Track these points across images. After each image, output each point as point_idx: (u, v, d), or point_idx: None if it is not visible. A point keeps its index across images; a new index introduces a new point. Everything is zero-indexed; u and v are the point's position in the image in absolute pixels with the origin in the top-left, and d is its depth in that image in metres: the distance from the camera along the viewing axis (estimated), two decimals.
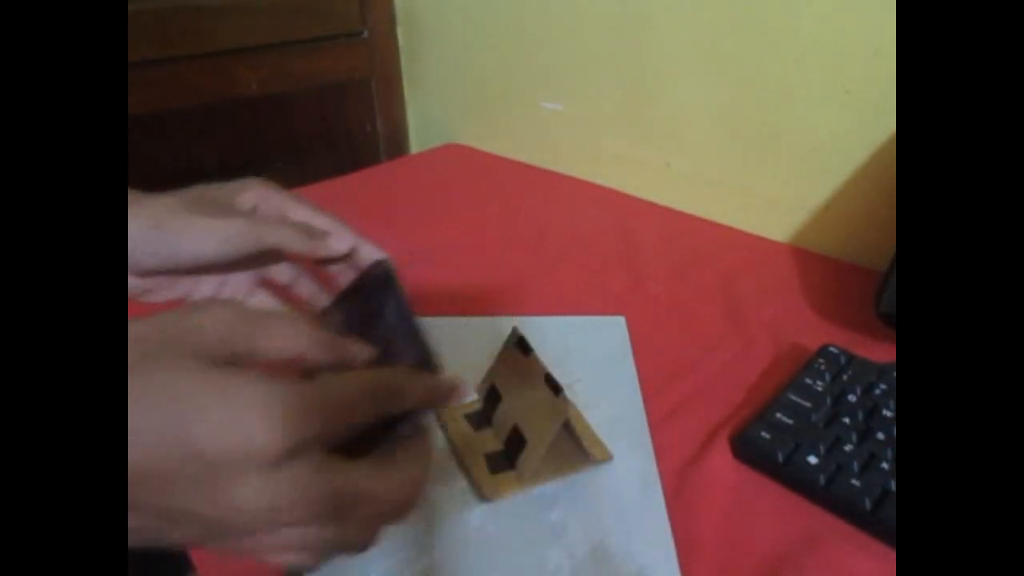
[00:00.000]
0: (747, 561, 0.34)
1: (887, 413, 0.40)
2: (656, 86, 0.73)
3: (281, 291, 0.41)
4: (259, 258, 0.37)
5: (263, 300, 0.40)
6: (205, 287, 0.38)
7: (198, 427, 0.19)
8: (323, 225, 0.37)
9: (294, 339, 0.24)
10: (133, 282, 0.35)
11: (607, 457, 0.39)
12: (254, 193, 0.37)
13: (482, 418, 0.41)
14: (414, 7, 0.99)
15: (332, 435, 0.22)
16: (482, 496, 0.36)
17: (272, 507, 0.20)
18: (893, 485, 0.35)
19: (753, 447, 0.39)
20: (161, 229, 0.33)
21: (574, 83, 0.82)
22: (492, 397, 0.41)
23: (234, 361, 0.22)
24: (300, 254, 0.37)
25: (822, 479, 0.36)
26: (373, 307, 0.35)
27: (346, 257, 0.38)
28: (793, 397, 0.42)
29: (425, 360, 0.31)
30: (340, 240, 0.37)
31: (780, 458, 0.38)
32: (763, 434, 0.39)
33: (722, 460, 0.40)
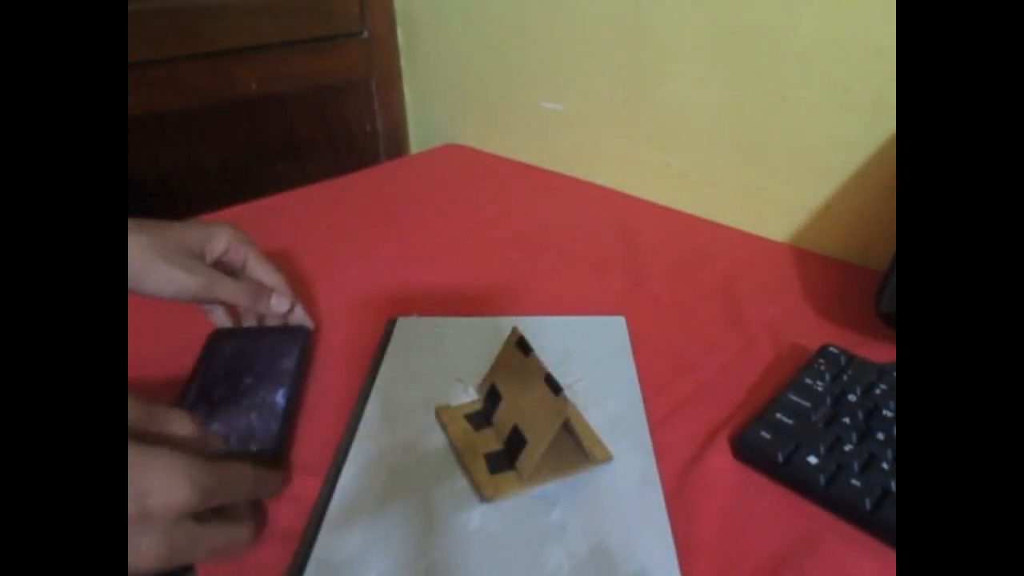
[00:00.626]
0: (747, 561, 0.34)
1: (887, 413, 0.40)
2: (656, 86, 0.73)
3: (232, 310, 0.50)
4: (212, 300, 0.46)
5: (219, 315, 0.49)
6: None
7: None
8: (272, 283, 0.48)
9: (185, 430, 0.31)
10: None
11: (607, 457, 0.39)
12: (224, 242, 0.46)
13: (482, 418, 0.41)
14: (414, 7, 0.99)
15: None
16: (482, 496, 0.36)
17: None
18: (893, 485, 0.35)
19: (753, 447, 0.39)
20: (129, 266, 0.40)
21: (574, 83, 0.82)
22: (492, 397, 0.41)
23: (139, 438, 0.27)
24: (246, 308, 0.48)
25: (822, 479, 0.36)
26: (272, 351, 0.47)
27: (284, 315, 0.49)
28: (793, 397, 0.42)
29: (276, 427, 0.40)
30: (279, 303, 0.48)
31: (780, 458, 0.38)
32: (763, 434, 0.39)
33: (722, 460, 0.40)
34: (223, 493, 0.29)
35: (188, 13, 0.81)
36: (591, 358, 0.48)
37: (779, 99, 0.64)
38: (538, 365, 0.38)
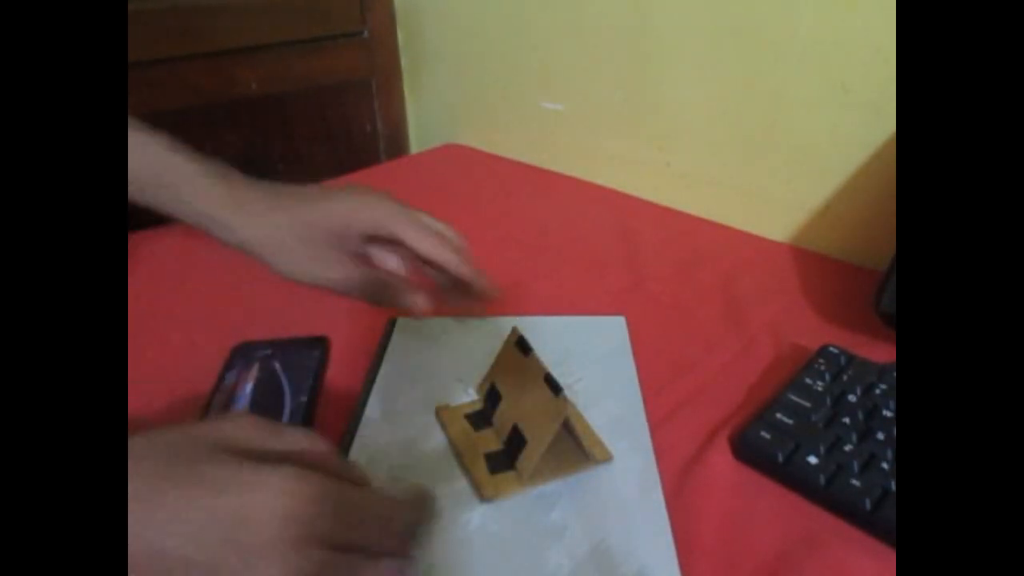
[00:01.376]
0: (747, 561, 0.34)
1: (887, 413, 0.40)
2: (656, 86, 0.73)
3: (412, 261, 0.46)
4: None
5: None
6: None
7: (235, 511, 0.22)
8: (433, 254, 0.43)
9: (304, 444, 0.27)
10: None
11: (607, 457, 0.39)
12: (371, 217, 0.42)
13: (482, 418, 0.41)
14: (414, 7, 0.99)
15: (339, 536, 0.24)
16: (482, 496, 0.36)
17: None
18: (893, 485, 0.35)
19: (753, 447, 0.39)
20: (271, 253, 0.39)
21: (574, 83, 0.82)
22: (492, 397, 0.41)
23: (258, 458, 0.24)
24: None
25: (822, 479, 0.36)
26: (292, 362, 0.46)
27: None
28: (793, 397, 0.42)
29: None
30: (420, 302, 0.42)
31: (780, 458, 0.38)
32: (763, 434, 0.39)
33: (722, 460, 0.40)
34: (358, 521, 0.25)
35: (188, 13, 0.81)
36: (591, 358, 0.48)
37: (779, 99, 0.64)
38: (538, 365, 0.38)
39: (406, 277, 0.45)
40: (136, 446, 0.23)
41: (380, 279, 0.42)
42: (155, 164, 0.42)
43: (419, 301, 0.42)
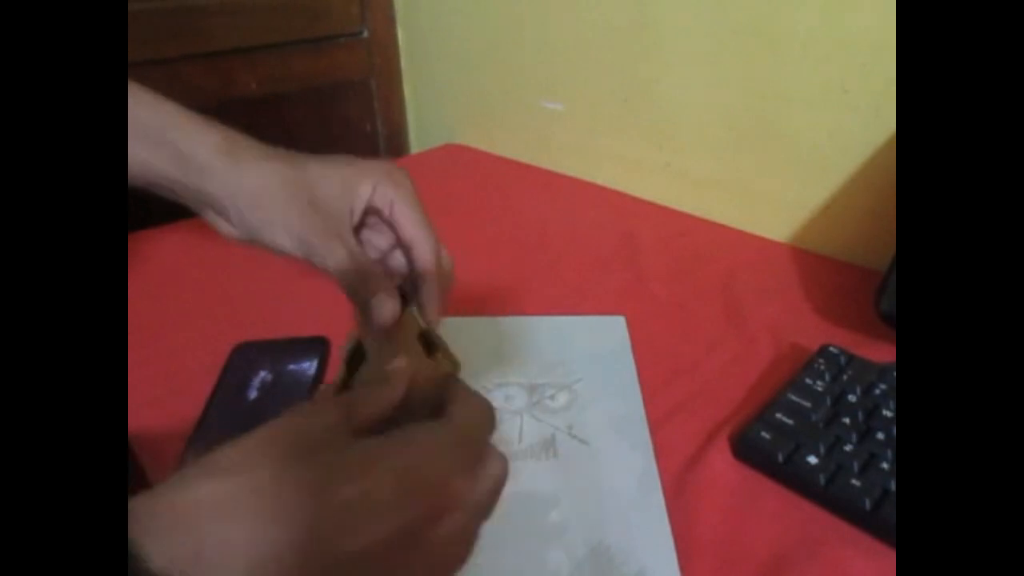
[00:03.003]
0: (747, 561, 0.34)
1: (887, 413, 0.40)
2: (656, 86, 0.73)
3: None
4: None
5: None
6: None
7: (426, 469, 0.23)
8: (410, 236, 0.37)
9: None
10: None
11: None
12: (370, 185, 0.37)
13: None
14: (414, 7, 0.99)
15: None
16: None
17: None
18: (893, 485, 0.35)
19: (753, 447, 0.39)
20: (251, 213, 0.35)
21: (574, 83, 0.82)
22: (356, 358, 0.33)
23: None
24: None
25: (822, 479, 0.36)
26: (293, 363, 0.46)
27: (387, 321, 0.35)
28: (793, 397, 0.42)
29: None
30: (381, 307, 0.34)
31: (780, 458, 0.38)
32: (763, 434, 0.39)
33: (722, 460, 0.40)
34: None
35: (188, 13, 0.81)
36: (591, 358, 0.48)
37: (779, 99, 0.64)
38: (412, 320, 0.33)
39: (389, 274, 0.39)
40: None
41: (365, 268, 0.35)
42: (158, 119, 0.39)
43: (387, 309, 0.34)
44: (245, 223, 0.36)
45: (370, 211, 0.38)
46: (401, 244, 0.38)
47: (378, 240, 0.39)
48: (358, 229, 0.37)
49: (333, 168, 0.37)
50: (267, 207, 0.35)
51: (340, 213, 0.36)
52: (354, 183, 0.36)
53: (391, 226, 0.38)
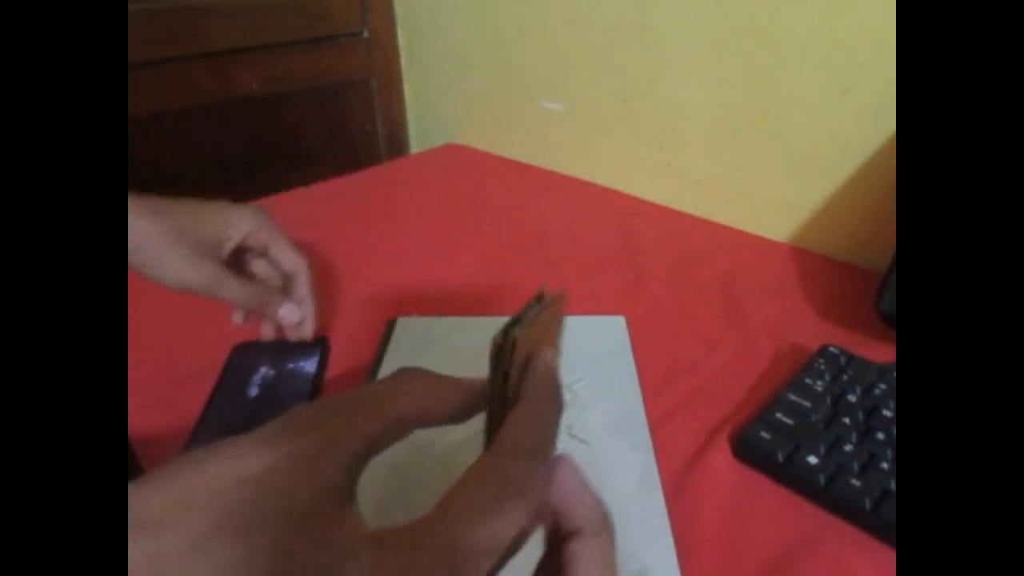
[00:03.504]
0: (747, 561, 0.34)
1: (887, 413, 0.40)
2: (656, 86, 0.73)
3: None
4: None
5: (238, 317, 0.47)
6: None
7: None
8: (291, 269, 0.46)
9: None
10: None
11: None
12: (244, 228, 0.44)
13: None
14: (414, 7, 0.99)
15: None
16: None
17: None
18: (893, 485, 0.35)
19: (753, 447, 0.39)
20: (136, 250, 0.39)
21: (574, 83, 0.82)
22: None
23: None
24: (249, 312, 0.46)
25: (822, 479, 0.36)
26: (292, 365, 0.46)
27: (294, 326, 0.46)
28: (793, 397, 0.42)
29: None
30: (289, 313, 0.45)
31: (780, 458, 0.38)
32: (763, 434, 0.39)
33: (722, 460, 0.40)
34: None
35: (188, 13, 0.81)
36: (591, 358, 0.48)
37: (779, 99, 0.64)
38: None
39: (277, 287, 0.47)
40: None
41: (251, 286, 0.44)
42: None
43: (288, 312, 0.45)
44: (134, 267, 0.40)
45: (242, 249, 0.45)
46: (283, 274, 0.47)
47: (257, 267, 0.47)
48: (235, 262, 0.45)
49: (210, 212, 0.43)
50: (147, 257, 0.40)
51: (216, 249, 0.43)
52: (228, 225, 0.43)
53: (271, 262, 0.46)
